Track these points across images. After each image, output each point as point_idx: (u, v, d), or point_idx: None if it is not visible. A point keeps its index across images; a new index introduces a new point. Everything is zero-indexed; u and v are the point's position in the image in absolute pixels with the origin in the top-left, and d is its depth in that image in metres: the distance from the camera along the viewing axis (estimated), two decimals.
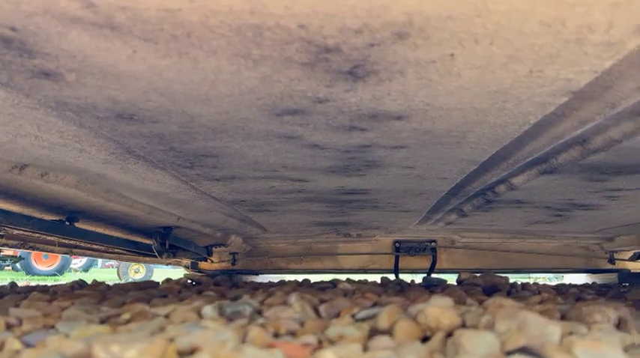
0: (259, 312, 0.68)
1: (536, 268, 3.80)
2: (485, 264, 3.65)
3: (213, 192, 1.72)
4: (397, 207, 2.20)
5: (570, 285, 1.80)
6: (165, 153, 1.12)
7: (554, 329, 0.49)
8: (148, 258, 2.87)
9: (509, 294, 1.12)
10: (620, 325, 0.63)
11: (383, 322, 0.57)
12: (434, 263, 3.53)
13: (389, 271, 3.63)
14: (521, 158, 1.26)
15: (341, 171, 1.38)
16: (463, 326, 0.55)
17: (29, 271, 13.45)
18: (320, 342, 0.52)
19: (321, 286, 1.19)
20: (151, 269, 13.04)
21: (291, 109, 0.80)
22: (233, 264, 3.60)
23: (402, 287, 1.27)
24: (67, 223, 1.84)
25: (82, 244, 2.13)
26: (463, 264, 3.66)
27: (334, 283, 1.18)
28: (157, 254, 2.47)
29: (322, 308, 0.68)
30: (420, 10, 0.48)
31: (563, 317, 0.70)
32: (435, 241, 3.52)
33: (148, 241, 2.48)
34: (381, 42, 0.55)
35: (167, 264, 3.72)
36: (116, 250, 2.49)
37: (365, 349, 0.50)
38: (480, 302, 0.73)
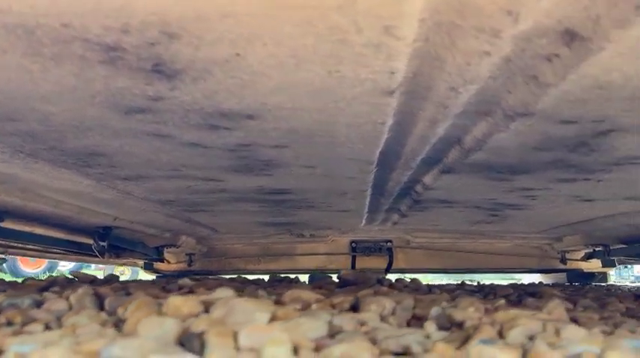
0: (39, 305, 0.70)
1: (491, 268, 3.84)
2: (441, 263, 3.69)
3: (133, 192, 1.73)
4: (333, 207, 2.23)
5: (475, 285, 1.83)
6: (48, 151, 1.13)
7: (261, 315, 0.52)
8: (96, 259, 2.87)
9: (371, 286, 1.14)
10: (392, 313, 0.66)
11: (126, 313, 0.59)
12: (390, 263, 3.57)
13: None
14: (410, 157, 1.28)
15: (245, 171, 1.40)
16: (205, 313, 0.58)
17: (15, 272, 13.43)
18: (48, 327, 0.55)
19: (165, 283, 1.21)
20: (136, 270, 12.98)
21: (134, 107, 0.82)
22: (189, 265, 3.60)
23: (279, 283, 1.29)
24: None
25: (16, 244, 2.13)
26: (419, 263, 3.70)
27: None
28: (97, 254, 2.46)
29: (107, 302, 0.71)
30: (165, 11, 0.50)
31: (353, 308, 0.72)
32: (390, 241, 3.55)
33: (90, 241, 2.48)
34: (158, 41, 0.57)
35: (122, 265, 3.72)
36: (55, 250, 2.48)
37: (71, 335, 0.53)
38: (280, 295, 0.75)
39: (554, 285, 3.13)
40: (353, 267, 3.62)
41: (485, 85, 0.74)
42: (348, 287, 1.14)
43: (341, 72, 0.65)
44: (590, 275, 3.37)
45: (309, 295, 0.72)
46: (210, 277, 3.12)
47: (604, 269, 3.39)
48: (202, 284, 1.10)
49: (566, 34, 0.57)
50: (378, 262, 3.62)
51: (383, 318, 0.63)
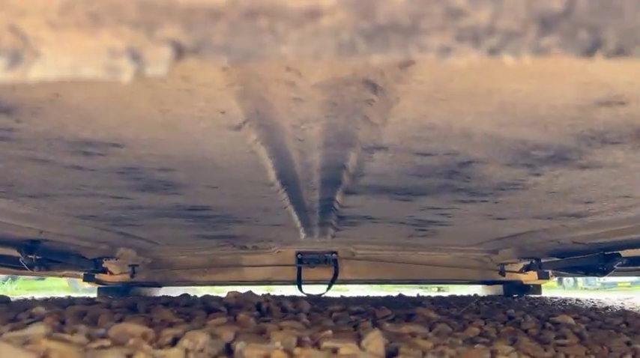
0: None
1: (434, 279, 3.90)
2: (385, 274, 3.74)
3: (47, 208, 1.71)
4: (261, 222, 2.25)
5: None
6: None
7: None
8: (26, 271, 2.81)
9: (260, 310, 1.17)
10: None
11: None
12: (335, 274, 3.60)
13: (294, 283, 3.68)
14: (308, 180, 1.32)
15: (149, 190, 1.41)
16: None
17: None
18: None
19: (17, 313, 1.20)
20: None
21: None
22: (132, 276, 3.56)
23: (164, 306, 1.30)
24: None
25: None
26: (364, 274, 3.74)
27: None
28: (26, 267, 2.42)
29: None
30: None
31: (175, 341, 0.75)
32: (336, 253, 3.59)
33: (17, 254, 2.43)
34: None
35: (61, 276, 3.65)
36: None
37: None
38: (109, 328, 0.78)
39: (489, 297, 3.21)
40: (299, 278, 3.64)
41: (327, 122, 0.78)
42: (215, 313, 1.16)
43: (172, 110, 0.68)
44: (526, 288, 3.47)
45: (135, 329, 0.73)
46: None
47: (538, 282, 3.49)
48: (57, 313, 1.10)
49: (368, 83, 0.61)
50: (323, 273, 3.65)
51: (187, 354, 0.65)
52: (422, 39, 0.23)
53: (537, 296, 3.38)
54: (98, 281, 3.59)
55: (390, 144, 0.84)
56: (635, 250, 2.41)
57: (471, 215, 1.83)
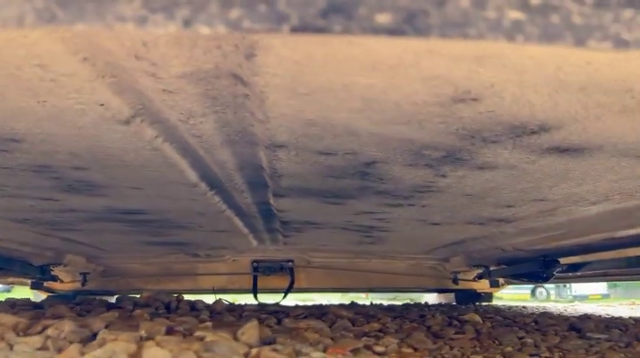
0: None
1: (389, 287, 3.94)
2: (341, 283, 3.75)
3: None
4: (205, 227, 2.24)
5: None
6: None
7: None
8: None
9: (168, 308, 1.17)
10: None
11: None
12: (292, 282, 3.60)
13: (250, 291, 3.66)
14: (230, 180, 1.33)
15: (72, 191, 1.39)
16: None
17: None
18: None
19: None
20: None
21: None
22: (83, 285, 3.49)
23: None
24: None
25: None
26: (321, 283, 3.75)
27: None
28: None
29: None
30: None
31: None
32: (292, 261, 3.59)
33: None
34: None
35: (8, 283, 3.56)
36: None
37: None
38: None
39: (438, 305, 3.26)
40: (254, 287, 3.63)
41: (218, 117, 0.79)
42: (115, 309, 1.16)
43: (49, 102, 0.68)
44: (477, 296, 3.53)
45: (7, 320, 0.74)
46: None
47: (490, 290, 3.55)
48: None
49: (237, 77, 0.63)
50: (280, 282, 3.65)
51: (47, 340, 0.66)
52: (116, 8, 0.24)
53: (487, 303, 3.44)
54: (47, 290, 3.51)
55: (287, 141, 0.86)
56: (573, 257, 2.49)
57: (406, 220, 1.86)
